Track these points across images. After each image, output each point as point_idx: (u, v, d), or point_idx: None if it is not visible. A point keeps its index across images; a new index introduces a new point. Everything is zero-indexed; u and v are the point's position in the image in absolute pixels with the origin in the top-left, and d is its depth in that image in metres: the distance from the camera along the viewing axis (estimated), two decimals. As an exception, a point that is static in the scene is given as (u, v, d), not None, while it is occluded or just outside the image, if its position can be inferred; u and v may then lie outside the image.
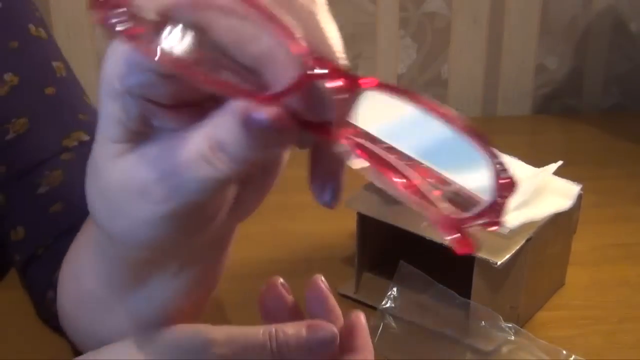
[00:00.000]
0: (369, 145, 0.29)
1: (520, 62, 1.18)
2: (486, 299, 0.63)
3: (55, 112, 0.55)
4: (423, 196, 0.29)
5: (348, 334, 0.43)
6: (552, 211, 0.65)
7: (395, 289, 0.65)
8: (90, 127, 0.55)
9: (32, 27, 0.57)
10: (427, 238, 0.62)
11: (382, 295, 0.65)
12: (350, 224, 0.69)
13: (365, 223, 0.68)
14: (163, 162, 0.32)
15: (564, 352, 0.61)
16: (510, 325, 0.62)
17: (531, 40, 1.17)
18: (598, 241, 0.79)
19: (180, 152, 0.31)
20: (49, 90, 0.55)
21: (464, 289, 0.63)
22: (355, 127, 0.29)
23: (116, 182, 0.33)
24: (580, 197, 0.69)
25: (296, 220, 0.81)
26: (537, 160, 0.73)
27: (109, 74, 0.31)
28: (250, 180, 0.36)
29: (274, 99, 0.28)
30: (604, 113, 1.20)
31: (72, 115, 0.56)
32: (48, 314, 0.54)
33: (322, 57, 0.29)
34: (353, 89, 0.28)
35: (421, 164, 0.29)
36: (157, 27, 0.28)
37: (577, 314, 0.69)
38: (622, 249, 0.79)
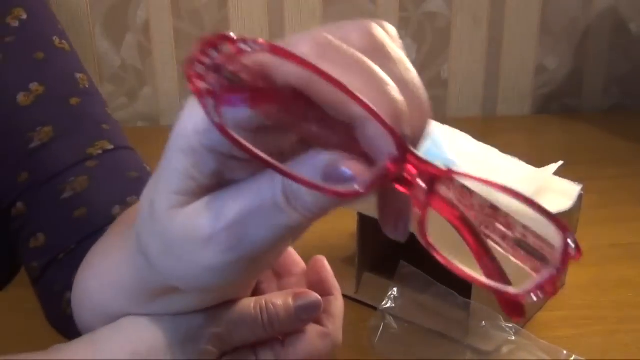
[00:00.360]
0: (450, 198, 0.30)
1: (520, 62, 1.18)
2: (486, 299, 0.63)
3: (80, 122, 0.55)
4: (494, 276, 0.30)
5: (316, 279, 0.46)
6: (553, 211, 0.65)
7: (395, 289, 0.65)
8: (113, 137, 0.56)
9: (56, 39, 0.58)
10: (428, 238, 0.62)
11: (383, 295, 0.65)
12: (350, 224, 0.69)
13: (366, 223, 0.67)
14: (231, 210, 0.31)
15: (565, 352, 0.61)
16: (511, 325, 0.62)
17: (531, 40, 1.17)
18: (598, 241, 0.79)
19: (252, 201, 0.30)
20: (74, 101, 0.56)
21: (465, 289, 0.63)
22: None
23: (178, 230, 0.32)
24: (580, 197, 0.69)
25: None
26: (537, 160, 0.73)
27: (185, 127, 0.30)
28: None
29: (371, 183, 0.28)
30: (604, 113, 1.20)
31: (95, 125, 0.56)
32: (62, 315, 0.53)
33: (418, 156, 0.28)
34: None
35: (501, 211, 0.31)
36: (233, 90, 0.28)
37: (578, 313, 0.69)
38: (622, 249, 0.79)
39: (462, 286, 0.63)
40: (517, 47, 1.17)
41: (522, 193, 0.28)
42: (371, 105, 0.27)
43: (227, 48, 0.27)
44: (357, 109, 0.27)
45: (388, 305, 0.64)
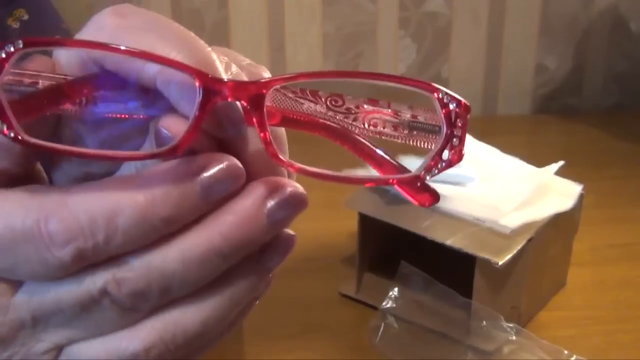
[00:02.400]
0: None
1: (520, 62, 1.18)
2: (487, 299, 0.63)
3: None
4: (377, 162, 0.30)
5: None
6: (554, 211, 0.65)
7: (396, 289, 0.65)
8: None
9: None
10: (428, 238, 0.62)
11: (383, 295, 0.65)
12: (350, 224, 0.69)
13: (366, 223, 0.67)
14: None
15: (565, 352, 0.61)
16: (512, 325, 0.62)
17: (531, 40, 1.17)
18: (599, 241, 0.79)
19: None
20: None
21: (465, 289, 0.63)
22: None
23: None
24: (581, 197, 0.69)
25: (296, 220, 0.81)
26: (537, 160, 0.73)
27: None
28: None
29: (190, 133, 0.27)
30: (604, 113, 1.20)
31: None
32: None
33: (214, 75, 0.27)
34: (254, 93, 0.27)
35: (369, 105, 0.30)
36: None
37: (578, 314, 0.69)
38: (623, 249, 0.79)
39: (463, 286, 0.63)
40: (517, 47, 1.17)
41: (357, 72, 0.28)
42: (152, 53, 0.27)
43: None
44: (152, 68, 0.27)
45: (389, 305, 0.64)
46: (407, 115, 0.29)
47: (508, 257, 0.60)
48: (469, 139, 0.76)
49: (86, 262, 0.27)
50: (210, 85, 0.27)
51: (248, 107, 0.27)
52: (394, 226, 0.64)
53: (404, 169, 0.30)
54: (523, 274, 0.63)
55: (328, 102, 0.30)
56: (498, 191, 0.68)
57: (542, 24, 1.16)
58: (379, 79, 0.29)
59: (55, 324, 0.29)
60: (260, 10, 1.12)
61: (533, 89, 1.20)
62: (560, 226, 0.67)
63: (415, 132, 0.29)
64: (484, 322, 0.62)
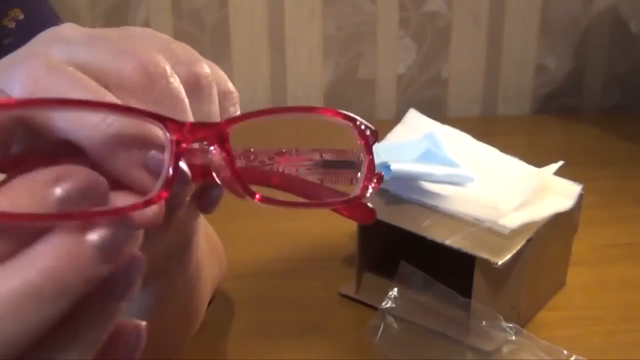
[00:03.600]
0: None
1: (520, 62, 1.18)
2: (487, 299, 0.63)
3: None
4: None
5: None
6: (553, 211, 0.65)
7: (396, 289, 0.65)
8: None
9: None
10: (428, 238, 0.62)
11: (383, 295, 0.65)
12: (350, 224, 0.69)
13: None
14: None
15: (565, 352, 0.61)
16: (511, 325, 0.62)
17: (531, 40, 1.17)
18: (599, 241, 0.79)
19: None
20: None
21: (465, 289, 0.63)
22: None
23: None
24: (581, 197, 0.69)
25: (296, 220, 0.81)
26: (537, 160, 0.73)
27: None
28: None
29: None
30: (604, 113, 1.20)
31: None
32: None
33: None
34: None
35: (288, 150, 0.32)
36: None
37: (578, 314, 0.69)
38: (622, 249, 0.79)
39: (463, 286, 0.63)
40: (517, 47, 1.17)
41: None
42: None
43: None
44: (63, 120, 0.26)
45: (388, 305, 0.64)
46: (316, 156, 0.32)
47: (507, 257, 0.60)
48: (469, 139, 0.77)
49: None
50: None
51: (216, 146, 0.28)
52: (394, 226, 0.64)
53: (339, 194, 0.32)
54: (523, 274, 0.63)
55: (242, 158, 0.31)
56: (497, 191, 0.68)
57: (542, 24, 1.16)
58: (301, 111, 0.31)
59: None
60: (260, 10, 1.12)
61: (533, 89, 1.20)
62: (559, 226, 0.67)
63: (330, 170, 0.32)
64: (484, 322, 0.62)
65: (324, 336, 0.65)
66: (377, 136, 0.31)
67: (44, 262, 0.23)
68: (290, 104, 1.16)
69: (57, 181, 0.24)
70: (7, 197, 0.23)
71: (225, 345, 0.65)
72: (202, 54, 0.32)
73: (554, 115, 1.18)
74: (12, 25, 0.56)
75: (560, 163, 0.70)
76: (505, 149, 0.76)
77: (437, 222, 0.64)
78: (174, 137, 0.27)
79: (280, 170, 0.31)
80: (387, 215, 0.65)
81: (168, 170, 0.26)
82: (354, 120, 0.31)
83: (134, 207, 0.25)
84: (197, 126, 0.27)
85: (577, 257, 0.73)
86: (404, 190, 0.66)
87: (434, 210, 0.66)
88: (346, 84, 1.17)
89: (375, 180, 0.31)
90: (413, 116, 0.78)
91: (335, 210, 0.31)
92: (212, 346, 0.65)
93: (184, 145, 0.27)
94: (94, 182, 0.24)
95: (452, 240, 0.62)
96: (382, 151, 0.67)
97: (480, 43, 1.16)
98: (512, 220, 0.63)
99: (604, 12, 1.16)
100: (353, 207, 0.32)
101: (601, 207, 0.84)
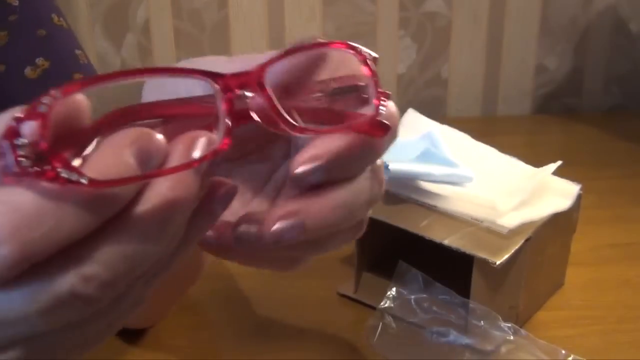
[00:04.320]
0: None
1: (520, 62, 1.18)
2: (485, 298, 0.63)
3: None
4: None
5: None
6: (552, 211, 0.65)
7: (394, 289, 0.65)
8: None
9: (54, 17, 0.60)
10: (427, 238, 0.62)
11: (382, 295, 0.65)
12: (349, 224, 0.69)
13: (365, 223, 0.67)
14: None
15: (563, 352, 0.61)
16: (510, 325, 0.62)
17: (531, 40, 1.17)
18: (597, 241, 0.79)
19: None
20: (77, 76, 0.58)
21: (463, 289, 0.63)
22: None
23: None
24: (579, 197, 0.69)
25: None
26: (537, 160, 0.73)
27: None
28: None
29: None
30: (604, 113, 1.20)
31: None
32: None
33: None
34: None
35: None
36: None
37: (576, 314, 0.69)
38: (621, 249, 0.79)
39: (461, 286, 0.63)
40: (517, 47, 1.17)
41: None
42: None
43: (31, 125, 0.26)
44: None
45: (387, 305, 0.64)
46: (324, 86, 0.36)
47: (506, 256, 0.60)
48: (467, 139, 0.77)
49: (36, 258, 0.25)
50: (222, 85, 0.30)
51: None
52: (392, 226, 0.64)
53: (361, 114, 0.35)
54: (521, 273, 0.63)
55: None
56: (496, 191, 0.68)
57: (542, 24, 1.16)
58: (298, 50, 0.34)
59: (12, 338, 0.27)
60: (260, 10, 1.12)
61: (533, 89, 1.20)
62: (558, 226, 0.67)
63: (338, 97, 0.35)
64: (482, 321, 0.62)
65: (323, 336, 0.65)
66: (376, 61, 0.36)
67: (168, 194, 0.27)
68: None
69: (130, 146, 0.27)
70: (94, 167, 0.26)
71: (224, 345, 0.65)
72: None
73: (554, 115, 1.18)
74: (16, 2, 0.57)
75: (559, 163, 0.70)
76: (505, 149, 0.76)
77: (435, 222, 0.64)
78: (221, 86, 0.30)
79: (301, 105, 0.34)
80: (386, 215, 0.65)
81: (225, 119, 0.30)
82: (355, 48, 0.36)
83: (207, 157, 0.28)
84: (236, 75, 0.31)
85: (575, 257, 0.73)
86: (402, 190, 0.66)
87: (432, 210, 0.66)
88: (346, 84, 1.17)
89: (383, 98, 0.34)
90: (412, 116, 0.78)
91: (356, 130, 0.33)
92: (211, 346, 0.65)
93: (230, 94, 0.30)
94: (156, 142, 0.27)
95: (451, 240, 0.62)
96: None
97: (480, 43, 1.16)
98: (510, 220, 0.63)
99: (603, 12, 1.16)
100: (371, 125, 0.34)
101: (600, 207, 0.84)
